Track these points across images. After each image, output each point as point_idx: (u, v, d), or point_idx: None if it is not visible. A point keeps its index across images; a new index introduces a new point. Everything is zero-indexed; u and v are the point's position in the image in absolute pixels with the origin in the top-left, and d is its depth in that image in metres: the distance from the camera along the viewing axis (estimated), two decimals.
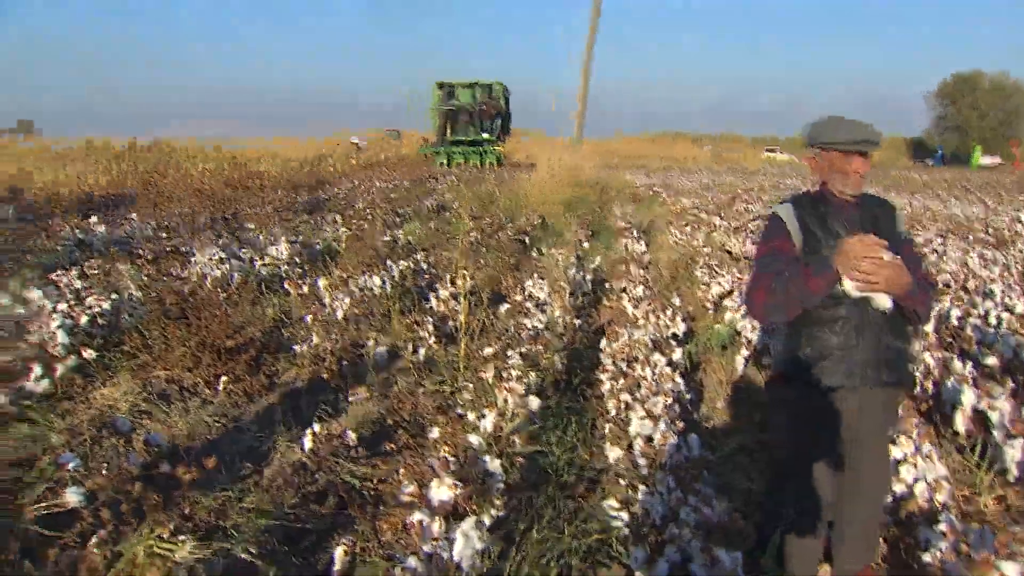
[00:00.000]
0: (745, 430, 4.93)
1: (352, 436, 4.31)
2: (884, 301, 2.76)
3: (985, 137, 61.14)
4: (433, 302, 7.68)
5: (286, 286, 8.28)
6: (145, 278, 7.88)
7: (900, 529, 3.26)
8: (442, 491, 2.95)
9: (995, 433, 3.98)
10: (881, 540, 3.26)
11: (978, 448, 4.05)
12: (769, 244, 2.97)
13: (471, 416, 4.41)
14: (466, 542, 2.72)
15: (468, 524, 2.75)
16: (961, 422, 4.20)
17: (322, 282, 8.16)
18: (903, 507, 3.30)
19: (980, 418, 4.21)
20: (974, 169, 55.33)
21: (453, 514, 2.95)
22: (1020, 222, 16.00)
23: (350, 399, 5.35)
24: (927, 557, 2.84)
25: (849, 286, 2.72)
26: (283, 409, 5.13)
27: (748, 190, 26.56)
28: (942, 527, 2.90)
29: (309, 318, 6.90)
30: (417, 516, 2.81)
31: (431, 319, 6.97)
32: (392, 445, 4.58)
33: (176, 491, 3.23)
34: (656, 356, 5.17)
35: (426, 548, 2.68)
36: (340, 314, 7.05)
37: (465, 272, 7.62)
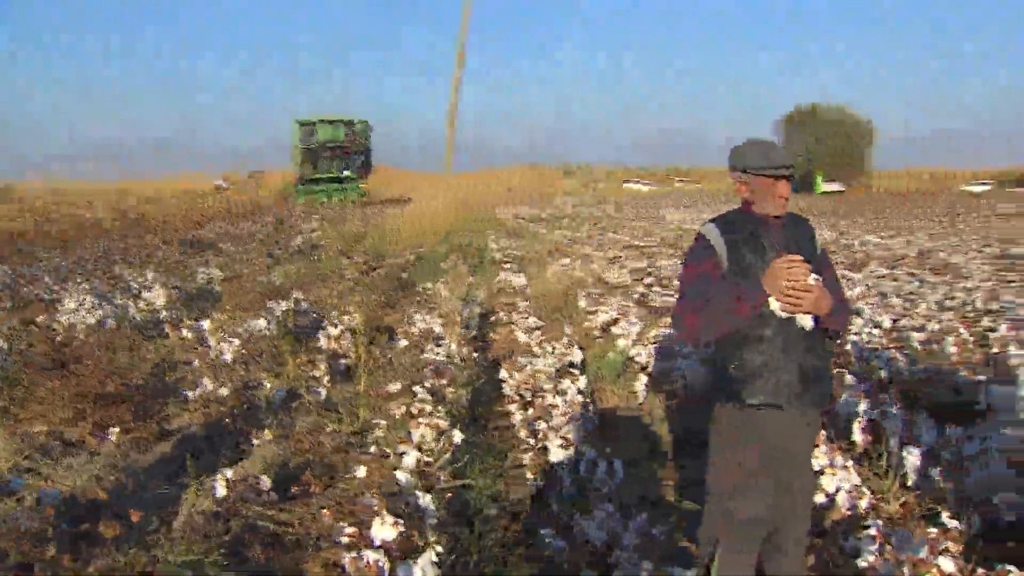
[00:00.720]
0: (661, 452, 5.04)
1: (266, 481, 4.16)
2: (807, 320, 2.89)
3: (829, 164, 65.07)
4: (323, 341, 7.53)
5: (166, 330, 7.95)
6: (8, 329, 7.41)
7: (824, 539, 3.40)
8: (385, 529, 2.88)
9: (891, 441, 4.23)
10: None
11: (881, 458, 4.27)
12: (697, 266, 3.04)
13: (389, 451, 4.35)
14: None
15: (425, 560, 2.69)
16: (858, 433, 4.44)
17: (207, 325, 7.87)
18: (827, 516, 3.44)
19: (872, 428, 4.46)
20: (818, 194, 58.76)
21: (394, 552, 2.88)
22: (868, 245, 17.11)
23: (254, 442, 5.17)
24: (862, 562, 2.96)
25: (776, 307, 2.84)
26: (183, 456, 4.90)
27: (610, 217, 27.36)
28: (871, 532, 3.04)
29: (196, 362, 6.65)
30: (370, 555, 2.73)
31: (323, 357, 6.84)
32: (303, 487, 4.45)
33: (93, 548, 3.03)
34: (566, 383, 5.23)
35: None
36: (229, 357, 6.82)
37: (352, 309, 7.53)
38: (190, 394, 5.87)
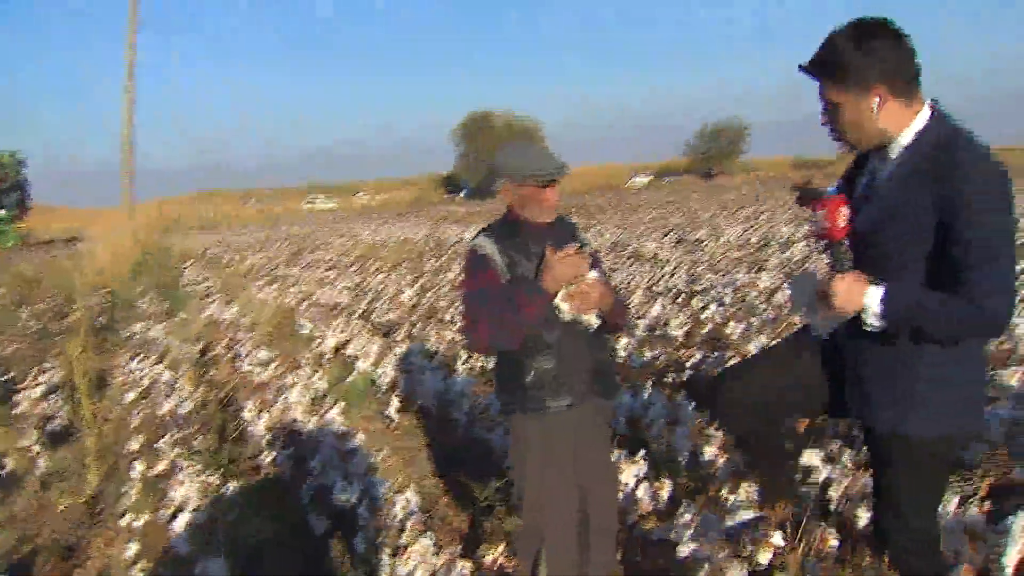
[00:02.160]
0: (446, 472, 4.98)
1: None
2: (592, 319, 2.98)
3: None
4: (24, 404, 6.65)
5: None
6: None
7: (629, 530, 3.55)
8: None
9: (655, 427, 4.54)
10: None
11: (650, 445, 4.54)
12: (476, 279, 3.01)
13: (142, 518, 3.93)
14: None
15: None
16: (623, 425, 4.70)
17: None
18: (631, 510, 3.59)
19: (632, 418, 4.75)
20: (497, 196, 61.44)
21: None
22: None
23: None
24: (684, 549, 3.11)
25: (564, 308, 2.90)
26: None
27: (305, 235, 26.85)
28: (686, 518, 3.21)
29: None
30: None
31: (32, 423, 6.04)
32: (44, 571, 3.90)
33: None
34: (333, 413, 5.02)
35: None
36: None
37: (51, 363, 6.72)
38: None
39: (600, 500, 3.18)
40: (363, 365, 7.18)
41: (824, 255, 2.41)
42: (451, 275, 13.47)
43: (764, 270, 11.03)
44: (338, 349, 8.34)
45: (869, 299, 2.19)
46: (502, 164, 3.03)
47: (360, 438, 4.91)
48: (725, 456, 4.12)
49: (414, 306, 10.99)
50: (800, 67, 2.26)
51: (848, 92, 2.18)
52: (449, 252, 18.83)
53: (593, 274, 2.92)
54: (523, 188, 3.00)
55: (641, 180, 69.42)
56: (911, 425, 2.29)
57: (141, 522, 4.02)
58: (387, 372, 6.76)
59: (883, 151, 2.27)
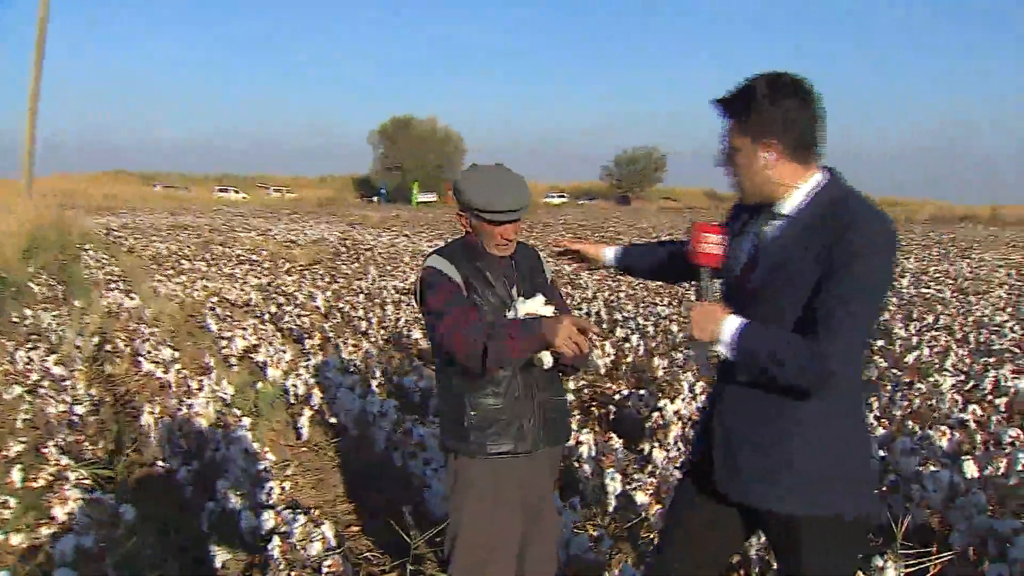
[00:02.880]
0: (363, 501, 4.67)
1: None
2: (547, 358, 2.72)
3: (422, 176, 68.56)
4: None
5: None
6: None
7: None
8: None
9: (585, 467, 4.33)
10: None
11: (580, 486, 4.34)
12: (445, 288, 2.69)
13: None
14: None
15: None
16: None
17: None
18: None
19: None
20: (414, 204, 61.35)
21: None
22: None
23: None
24: None
25: (548, 359, 2.67)
26: None
27: (215, 230, 25.99)
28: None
29: None
30: None
31: None
32: None
33: None
34: (241, 424, 4.64)
35: None
36: None
37: None
38: None
39: (539, 556, 2.94)
40: (273, 373, 6.78)
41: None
42: (365, 283, 13.08)
43: (683, 302, 11.03)
44: (246, 352, 7.92)
45: (725, 328, 2.10)
46: (462, 191, 2.74)
47: (270, 456, 4.55)
48: (659, 505, 3.94)
49: (327, 312, 10.60)
50: (713, 100, 2.19)
51: (747, 138, 2.12)
52: (365, 256, 18.41)
53: (595, 330, 2.68)
54: (479, 221, 2.75)
55: (556, 199, 70.23)
56: (788, 502, 2.12)
57: (17, 542, 3.59)
58: (299, 383, 6.38)
59: (770, 209, 2.18)
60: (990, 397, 5.84)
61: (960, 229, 36.21)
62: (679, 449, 4.67)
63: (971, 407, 5.27)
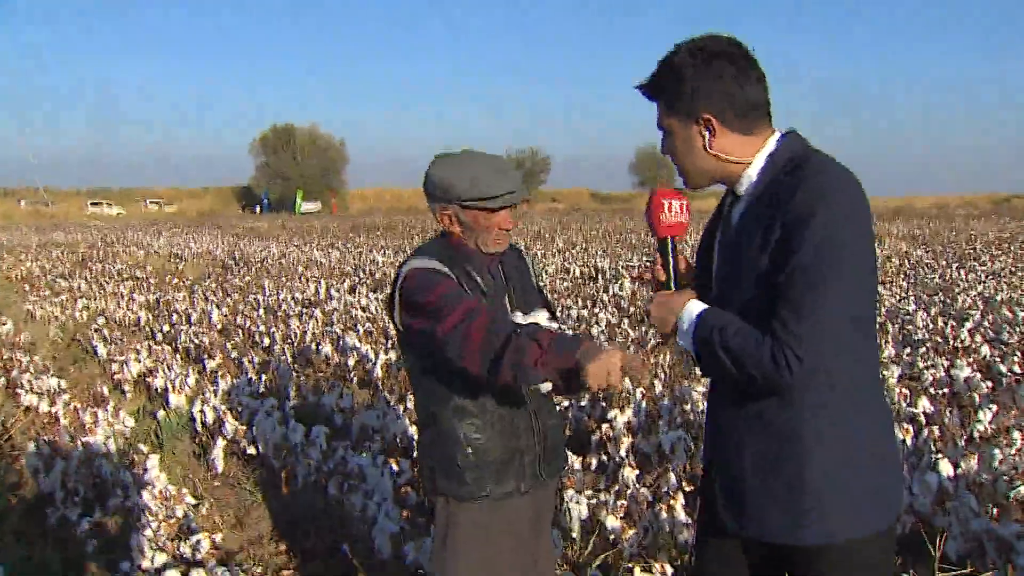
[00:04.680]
0: (292, 543, 4.17)
1: None
2: (545, 383, 2.32)
3: (307, 185, 67.38)
4: None
5: None
6: None
7: None
8: None
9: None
10: None
11: None
12: (444, 285, 2.20)
13: None
14: None
15: None
16: None
17: None
18: None
19: None
20: (297, 213, 60.02)
21: None
22: (375, 263, 17.42)
23: None
24: None
25: (546, 384, 2.16)
26: None
27: (92, 246, 24.61)
28: None
29: None
30: None
31: None
32: None
33: None
34: (144, 459, 4.08)
35: None
36: None
37: None
38: None
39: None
40: (176, 400, 6.17)
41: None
42: (262, 297, 12.38)
43: (597, 305, 10.80)
44: (142, 377, 7.24)
45: (684, 316, 1.84)
46: (442, 180, 2.28)
47: (189, 499, 4.00)
48: (631, 530, 3.62)
49: (224, 329, 9.92)
50: (635, 85, 1.90)
51: (676, 117, 1.83)
52: (256, 268, 17.60)
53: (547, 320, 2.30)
54: (470, 212, 2.29)
55: None
56: (809, 532, 1.76)
57: None
58: (207, 409, 5.80)
59: (730, 193, 1.90)
60: (932, 390, 5.75)
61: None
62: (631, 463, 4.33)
63: (921, 401, 5.13)
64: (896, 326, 8.59)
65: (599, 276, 14.18)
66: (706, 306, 1.82)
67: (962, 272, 14.03)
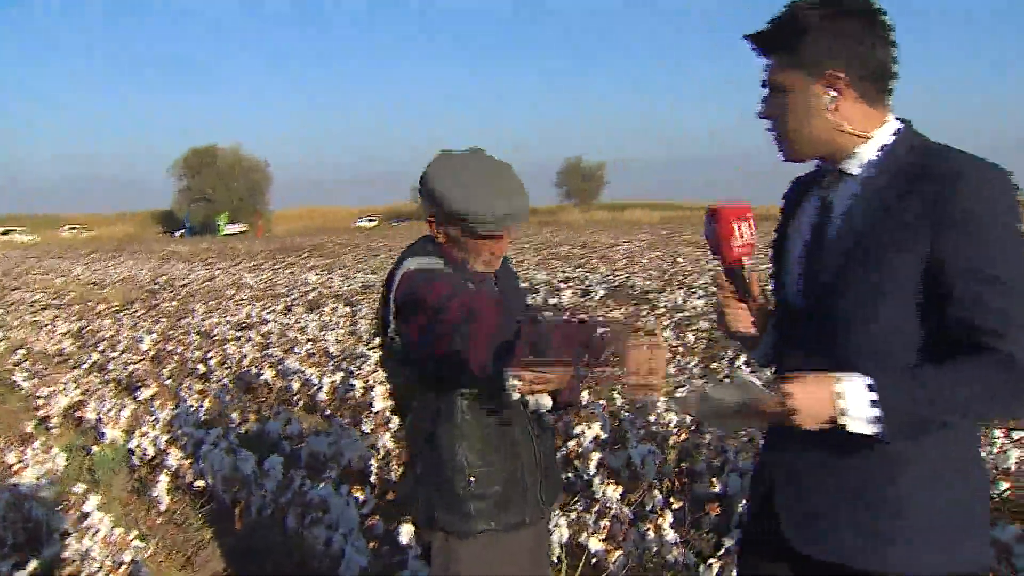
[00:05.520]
0: None
1: None
2: (546, 400, 2.07)
3: (232, 207, 65.98)
4: None
5: None
6: None
7: None
8: None
9: None
10: None
11: None
12: (449, 279, 1.99)
13: None
14: None
15: None
16: None
17: None
18: None
19: None
20: (220, 235, 58.70)
21: None
22: (307, 283, 16.99)
23: None
24: None
25: (515, 386, 1.96)
26: None
27: (7, 273, 23.66)
28: None
29: None
30: None
31: None
32: None
33: None
34: (81, 501, 3.74)
35: None
36: None
37: None
38: None
39: None
40: (111, 433, 5.77)
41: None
42: (193, 321, 11.89)
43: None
44: (71, 411, 6.80)
45: (849, 403, 1.45)
46: (443, 195, 2.02)
47: (137, 544, 3.66)
48: (617, 551, 3.43)
49: (156, 356, 9.45)
50: (746, 36, 1.64)
51: (799, 72, 1.57)
52: (183, 293, 17.00)
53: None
54: (468, 235, 2.05)
55: (368, 223, 68.66)
56: (893, 559, 1.54)
57: None
58: (146, 442, 5.42)
59: (834, 172, 1.63)
60: None
61: None
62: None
63: None
64: None
65: (536, 290, 13.99)
66: (864, 379, 1.46)
67: None
